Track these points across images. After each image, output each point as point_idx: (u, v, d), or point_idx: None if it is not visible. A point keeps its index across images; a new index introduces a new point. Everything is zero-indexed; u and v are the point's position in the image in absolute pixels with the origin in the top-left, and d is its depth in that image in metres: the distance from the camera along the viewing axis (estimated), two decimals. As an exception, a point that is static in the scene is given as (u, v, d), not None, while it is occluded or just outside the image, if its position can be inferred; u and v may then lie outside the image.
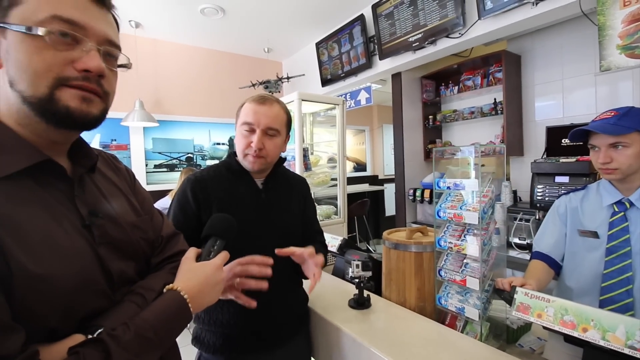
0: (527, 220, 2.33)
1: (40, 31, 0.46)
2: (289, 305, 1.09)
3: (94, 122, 0.53)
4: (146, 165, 3.62)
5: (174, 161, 3.82)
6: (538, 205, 2.22)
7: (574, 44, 2.53)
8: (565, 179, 2.08)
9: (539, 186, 2.21)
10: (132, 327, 0.50)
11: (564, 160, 2.10)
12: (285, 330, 1.09)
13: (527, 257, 1.98)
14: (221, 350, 1.02)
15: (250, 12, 3.15)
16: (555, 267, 1.21)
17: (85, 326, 0.50)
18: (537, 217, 2.27)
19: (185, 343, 0.72)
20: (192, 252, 0.68)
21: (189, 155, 3.92)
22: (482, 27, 2.27)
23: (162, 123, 3.66)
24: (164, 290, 0.59)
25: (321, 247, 1.17)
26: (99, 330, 0.50)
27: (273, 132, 1.02)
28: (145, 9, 2.97)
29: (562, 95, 2.62)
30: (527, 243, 2.29)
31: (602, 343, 0.73)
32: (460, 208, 1.09)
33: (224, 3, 2.94)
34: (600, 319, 0.74)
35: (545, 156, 2.38)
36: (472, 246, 1.05)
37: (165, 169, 3.75)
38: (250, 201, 1.04)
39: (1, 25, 0.46)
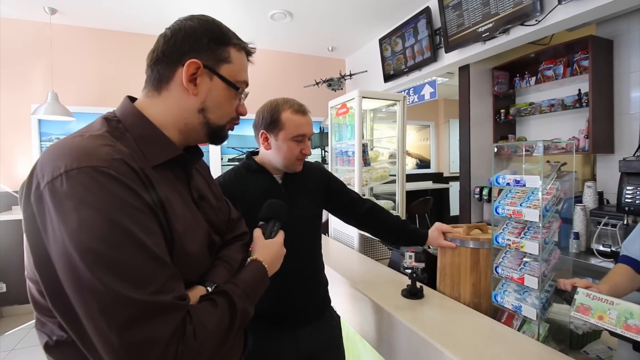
0: (614, 226, 2.08)
1: (240, 89, 0.70)
2: (312, 290, 1.20)
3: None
4: (221, 159, 4.04)
5: (243, 156, 4.19)
6: (627, 208, 1.97)
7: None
8: (662, 180, 1.82)
9: (628, 187, 1.96)
10: (239, 285, 0.66)
11: (662, 158, 1.84)
12: (309, 312, 1.18)
13: (611, 266, 1.78)
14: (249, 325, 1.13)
15: (316, 14, 3.29)
16: None
17: (201, 281, 0.66)
18: (625, 223, 2.02)
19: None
20: (258, 231, 0.85)
21: (257, 150, 4.26)
22: (563, 12, 2.08)
23: (236, 121, 4.04)
24: (249, 260, 0.76)
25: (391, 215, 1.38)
26: (214, 285, 0.65)
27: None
28: (222, 18, 3.30)
29: (666, 84, 2.27)
30: (611, 251, 2.05)
31: (671, 351, 0.69)
32: (520, 205, 1.06)
33: (292, 7, 3.12)
34: (671, 325, 0.70)
35: (638, 154, 2.09)
36: (531, 244, 1.02)
37: (236, 163, 4.14)
38: (273, 195, 1.11)
39: (217, 73, 0.66)
